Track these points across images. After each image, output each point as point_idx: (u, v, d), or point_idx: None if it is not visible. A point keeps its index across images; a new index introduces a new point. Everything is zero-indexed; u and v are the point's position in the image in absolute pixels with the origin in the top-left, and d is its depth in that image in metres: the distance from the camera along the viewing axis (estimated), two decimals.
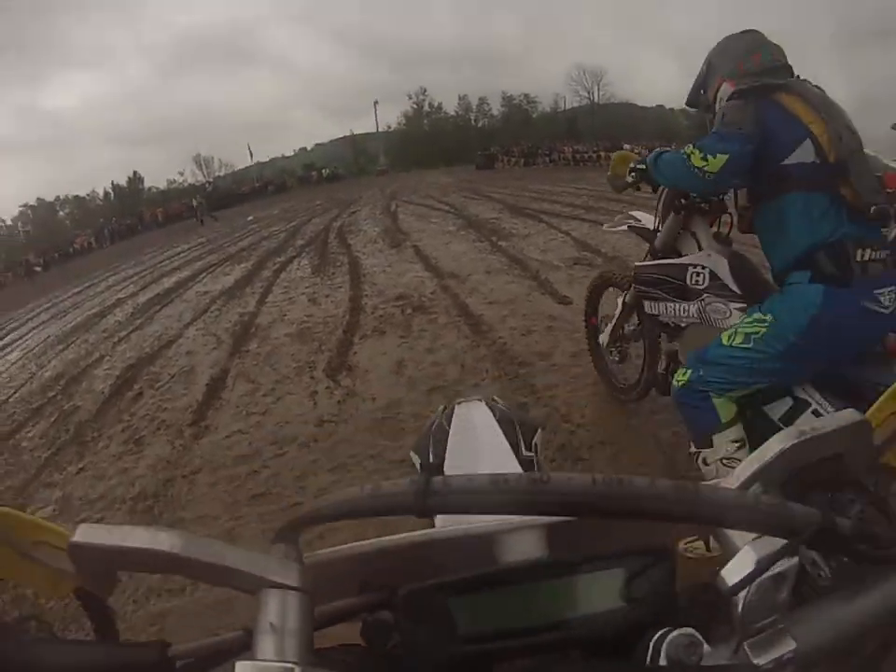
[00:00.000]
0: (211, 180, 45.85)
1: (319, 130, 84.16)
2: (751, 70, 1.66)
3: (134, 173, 48.24)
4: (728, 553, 0.31)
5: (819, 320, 1.47)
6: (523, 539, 0.36)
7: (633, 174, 1.94)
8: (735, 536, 0.31)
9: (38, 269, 29.62)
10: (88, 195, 47.48)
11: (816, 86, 1.63)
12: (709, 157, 1.54)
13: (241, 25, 61.35)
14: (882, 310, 1.46)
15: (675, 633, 0.28)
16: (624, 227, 2.43)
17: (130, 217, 39.99)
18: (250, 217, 20.29)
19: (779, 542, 0.28)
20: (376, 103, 44.49)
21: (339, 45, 62.55)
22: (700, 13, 53.44)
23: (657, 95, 61.66)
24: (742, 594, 0.28)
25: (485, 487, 0.26)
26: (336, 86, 58.16)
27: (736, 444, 1.61)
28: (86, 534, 0.32)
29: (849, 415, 0.35)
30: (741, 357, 1.57)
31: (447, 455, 0.65)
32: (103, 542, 0.31)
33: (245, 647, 0.31)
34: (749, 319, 1.61)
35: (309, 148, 51.93)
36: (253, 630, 0.29)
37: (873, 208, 1.45)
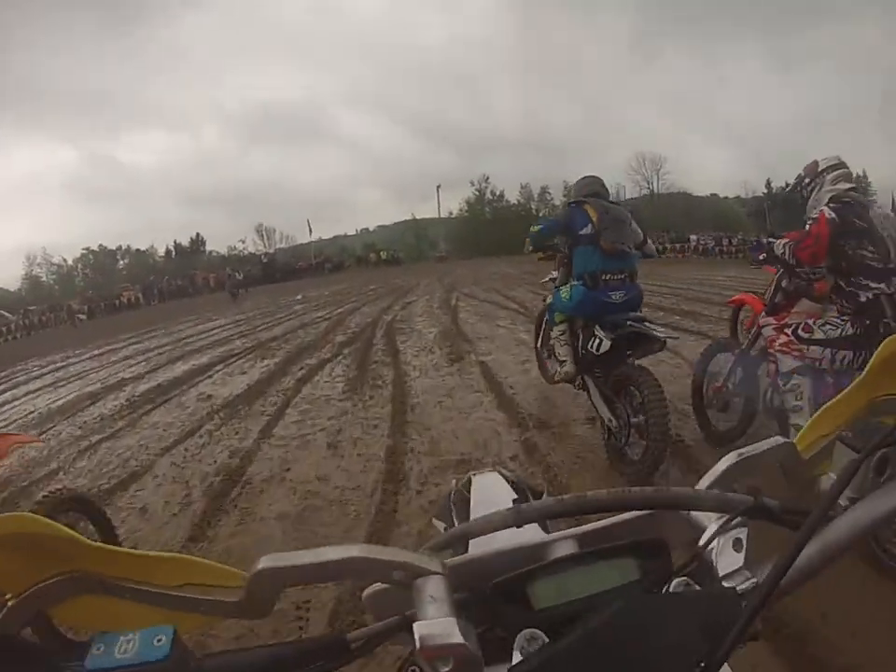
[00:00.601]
0: (268, 251, 46.49)
1: (382, 212, 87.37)
2: (579, 195, 3.67)
3: (197, 234, 49.88)
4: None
5: (583, 302, 3.40)
6: (565, 542, 0.47)
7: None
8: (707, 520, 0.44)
9: (82, 317, 29.49)
10: (147, 249, 49.20)
11: (612, 202, 3.76)
12: (531, 228, 3.86)
13: (314, 104, 65.31)
14: (614, 301, 3.34)
15: (676, 580, 0.41)
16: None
17: (183, 277, 40.59)
18: (299, 296, 19.59)
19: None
20: (439, 187, 44.84)
21: (406, 129, 65.35)
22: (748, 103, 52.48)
23: (711, 184, 60.13)
24: (714, 550, 0.41)
25: (566, 506, 0.42)
26: (401, 169, 60.46)
27: (561, 332, 3.64)
28: (268, 561, 0.37)
29: (777, 440, 0.47)
30: (562, 302, 3.59)
31: (471, 521, 0.61)
32: (285, 564, 0.37)
33: (406, 628, 0.38)
34: (566, 290, 3.56)
35: (371, 229, 52.86)
36: (412, 613, 0.37)
37: (618, 251, 3.41)
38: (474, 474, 0.87)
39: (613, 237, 3.38)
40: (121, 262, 49.11)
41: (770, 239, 3.01)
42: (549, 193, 45.27)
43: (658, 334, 3.19)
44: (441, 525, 0.86)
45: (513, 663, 0.37)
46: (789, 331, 2.77)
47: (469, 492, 0.83)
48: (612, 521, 0.47)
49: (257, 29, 68.76)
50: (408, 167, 58.97)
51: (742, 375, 3.23)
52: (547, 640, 0.39)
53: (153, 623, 0.35)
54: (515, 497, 0.79)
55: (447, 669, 0.34)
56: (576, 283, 3.48)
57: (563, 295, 3.57)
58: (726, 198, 44.48)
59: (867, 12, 52.26)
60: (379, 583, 0.42)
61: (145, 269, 45.02)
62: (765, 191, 40.69)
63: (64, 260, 46.81)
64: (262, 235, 49.14)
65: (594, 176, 3.78)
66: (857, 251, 2.60)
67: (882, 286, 2.55)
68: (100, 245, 48.20)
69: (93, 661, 0.33)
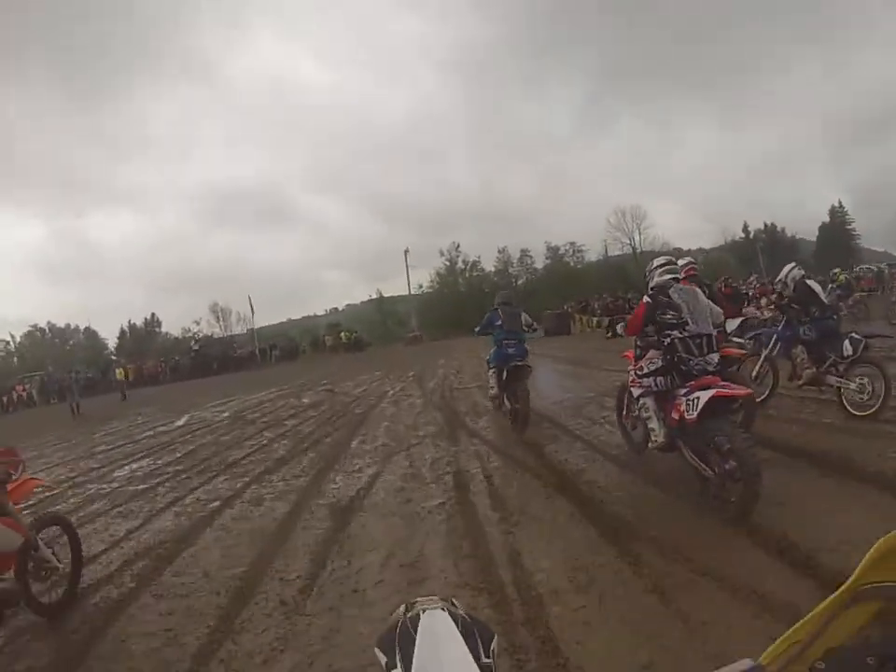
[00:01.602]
0: (199, 338, 38.71)
1: (351, 290, 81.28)
2: (497, 302, 7.20)
3: (153, 315, 43.76)
4: None
5: (497, 356, 6.75)
6: None
7: None
8: None
9: None
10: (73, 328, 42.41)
11: (514, 307, 7.12)
12: (475, 329, 7.72)
13: (277, 185, 60.36)
14: (510, 351, 6.61)
15: None
16: None
17: (97, 369, 33.21)
18: (181, 421, 11.12)
19: None
20: (406, 251, 36.72)
21: (368, 206, 60.37)
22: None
23: (699, 239, 56.35)
24: None
25: None
26: (366, 247, 54.55)
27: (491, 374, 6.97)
28: None
29: (744, 664, 0.48)
30: (490, 357, 6.99)
31: (414, 662, 0.71)
32: None
33: None
34: (492, 352, 7.03)
35: (340, 308, 46.44)
36: None
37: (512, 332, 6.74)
38: (423, 609, 0.78)
39: (509, 326, 6.74)
40: (71, 342, 42.98)
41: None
42: (530, 256, 40.16)
43: (528, 365, 6.66)
44: (382, 659, 0.77)
45: None
46: (632, 372, 4.49)
47: (415, 628, 0.75)
48: None
49: (220, 111, 64.80)
50: (373, 244, 53.42)
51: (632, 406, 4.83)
52: None
53: None
54: (461, 642, 0.74)
55: None
56: (494, 347, 6.88)
57: (490, 354, 7.00)
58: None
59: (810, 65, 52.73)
60: None
61: (96, 351, 41.00)
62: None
63: (12, 336, 40.65)
64: (218, 316, 42.72)
65: (506, 292, 9.06)
66: (663, 316, 4.15)
67: (675, 332, 4.05)
68: (48, 323, 42.08)
69: None
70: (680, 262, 5.31)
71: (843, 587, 0.53)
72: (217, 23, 61.39)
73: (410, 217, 53.21)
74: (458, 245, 37.40)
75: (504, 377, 6.54)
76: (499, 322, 6.68)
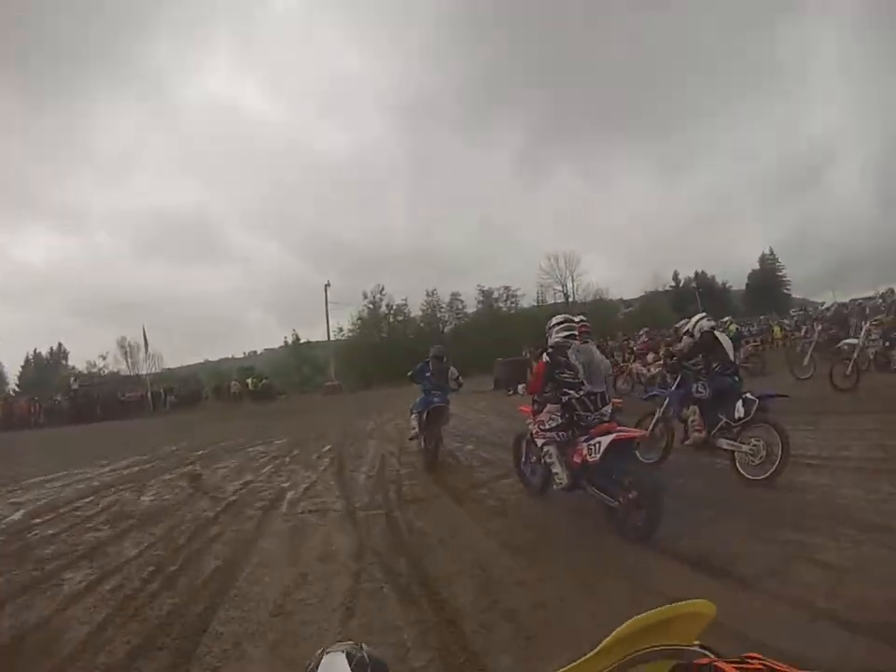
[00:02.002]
0: (76, 376, 33.70)
1: (272, 333, 76.72)
2: (431, 355, 8.01)
3: (59, 345, 39.31)
4: None
5: (422, 402, 7.51)
6: None
7: None
8: None
9: None
10: None
11: (443, 360, 7.93)
12: (408, 373, 8.39)
13: (207, 219, 56.73)
14: (435, 399, 7.41)
15: None
16: None
17: None
18: None
19: None
20: (327, 286, 32.59)
21: (296, 247, 57.89)
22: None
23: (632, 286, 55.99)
24: None
25: None
26: (291, 289, 51.38)
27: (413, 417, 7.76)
28: None
29: None
30: (417, 403, 7.71)
31: None
32: None
33: None
34: (418, 398, 7.81)
35: (259, 352, 42.82)
36: None
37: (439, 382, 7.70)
38: (327, 652, 0.87)
39: (437, 377, 7.60)
40: None
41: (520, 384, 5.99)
42: (460, 300, 38.07)
43: (448, 407, 7.59)
44: None
45: None
46: (534, 425, 5.00)
47: (316, 669, 0.84)
48: None
49: (156, 139, 60.42)
50: (298, 287, 50.33)
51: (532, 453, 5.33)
52: None
53: None
54: None
55: None
56: (422, 395, 7.57)
57: (417, 400, 7.59)
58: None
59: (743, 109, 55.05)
60: None
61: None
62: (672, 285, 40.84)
63: None
64: (125, 352, 38.08)
65: (439, 346, 8.33)
66: (561, 375, 4.60)
67: (572, 392, 4.54)
68: None
69: None
70: (576, 319, 5.56)
71: (604, 648, 0.63)
72: (170, 45, 57.49)
73: (339, 259, 50.44)
74: (382, 288, 34.58)
75: (425, 418, 7.36)
76: (429, 374, 7.65)
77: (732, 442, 5.33)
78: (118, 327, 51.85)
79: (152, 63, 56.70)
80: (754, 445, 5.12)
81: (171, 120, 57.40)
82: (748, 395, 5.37)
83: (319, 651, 0.87)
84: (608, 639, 0.63)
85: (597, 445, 4.22)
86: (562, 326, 4.92)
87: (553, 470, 4.64)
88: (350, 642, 0.89)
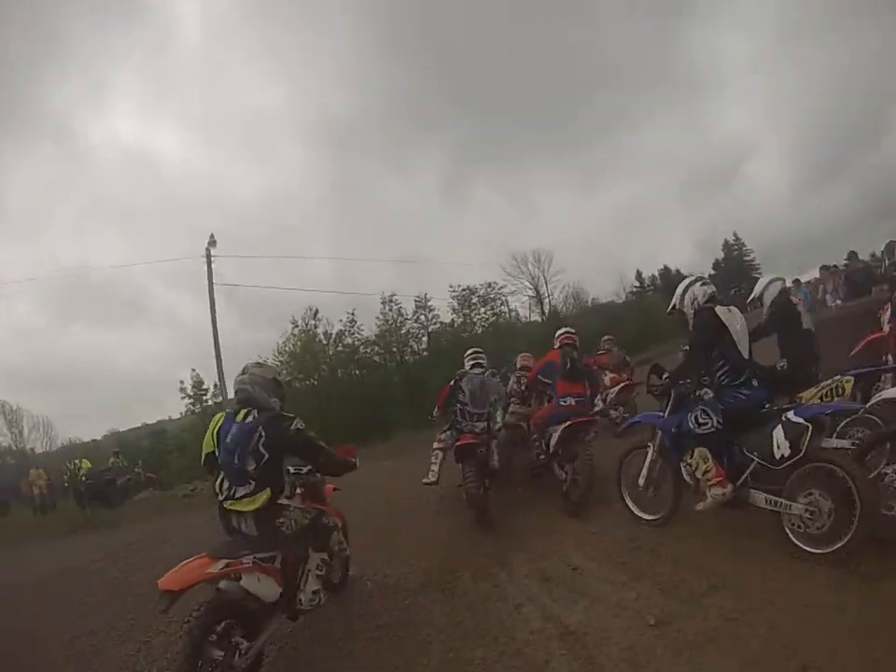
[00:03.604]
0: None
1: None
2: None
3: None
4: None
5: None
6: None
7: None
8: None
9: None
10: None
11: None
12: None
13: (131, 273, 54.31)
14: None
15: None
16: None
17: None
18: None
19: None
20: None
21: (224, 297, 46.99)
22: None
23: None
24: None
25: None
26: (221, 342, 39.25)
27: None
28: None
29: None
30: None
31: None
32: None
33: None
34: None
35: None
36: None
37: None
38: None
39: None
40: None
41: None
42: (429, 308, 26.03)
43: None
44: None
45: None
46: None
47: None
48: None
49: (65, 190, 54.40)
50: (229, 338, 38.68)
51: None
52: None
53: None
54: None
55: None
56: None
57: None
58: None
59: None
60: None
61: None
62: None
63: None
64: (11, 421, 30.31)
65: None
66: (458, 395, 5.86)
67: (460, 407, 5.83)
68: None
69: None
70: (559, 332, 6.15)
71: None
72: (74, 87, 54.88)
73: (264, 309, 39.87)
74: (316, 312, 22.70)
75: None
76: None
77: (773, 498, 3.38)
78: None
79: (57, 107, 53.02)
80: (811, 500, 3.21)
81: (80, 168, 53.21)
82: (790, 415, 3.35)
83: None
84: None
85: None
86: (471, 357, 6.17)
87: (433, 468, 5.71)
88: None
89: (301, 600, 3.34)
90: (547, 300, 31.85)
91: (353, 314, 21.36)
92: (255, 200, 51.62)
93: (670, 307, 4.10)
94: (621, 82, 60.81)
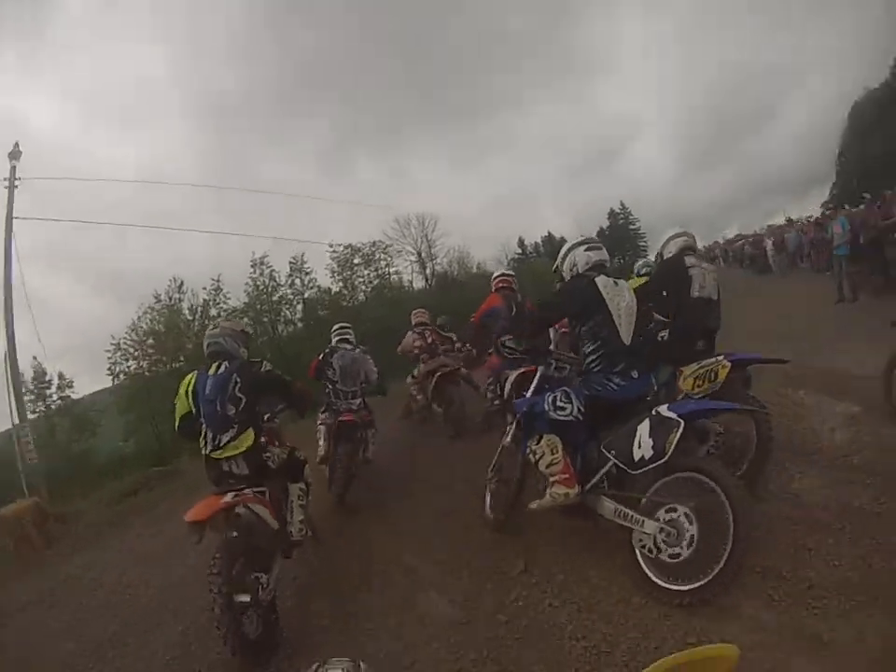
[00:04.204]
0: None
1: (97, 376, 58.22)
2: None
3: None
4: None
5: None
6: None
7: None
8: None
9: None
10: None
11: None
12: None
13: None
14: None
15: None
16: None
17: None
18: None
19: None
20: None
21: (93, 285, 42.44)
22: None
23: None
24: None
25: None
26: (92, 329, 34.73)
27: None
28: None
29: None
30: None
31: None
32: None
33: None
34: None
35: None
36: None
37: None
38: (327, 669, 0.88)
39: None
40: None
41: None
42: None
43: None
44: None
45: None
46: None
47: None
48: None
49: None
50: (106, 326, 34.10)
51: None
52: None
53: None
54: None
55: None
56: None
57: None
58: None
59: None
60: None
61: None
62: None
63: None
64: None
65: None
66: (326, 371, 5.66)
67: (330, 386, 5.64)
68: None
69: None
70: (494, 275, 6.24)
71: None
72: None
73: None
74: (182, 284, 18.45)
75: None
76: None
77: (624, 510, 2.84)
78: None
79: None
80: (672, 521, 2.65)
81: None
82: (662, 409, 2.77)
83: (315, 666, 0.91)
84: None
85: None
86: (337, 332, 5.99)
87: (320, 444, 5.32)
88: (347, 659, 0.90)
89: (291, 532, 3.56)
90: (430, 264, 29.87)
91: (218, 280, 18.30)
92: (130, 173, 46.70)
93: (554, 266, 3.60)
94: (513, 62, 61.99)
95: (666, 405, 2.84)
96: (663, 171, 65.44)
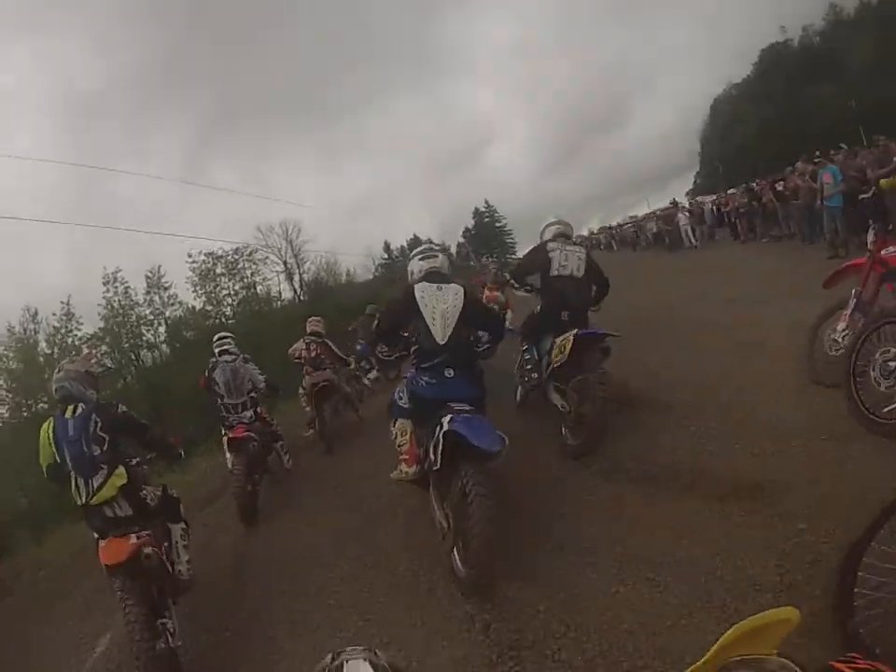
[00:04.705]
0: None
1: None
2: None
3: None
4: None
5: None
6: None
7: None
8: None
9: None
10: None
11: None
12: None
13: None
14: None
15: None
16: None
17: None
18: None
19: None
20: None
21: None
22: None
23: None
24: None
25: None
26: None
27: None
28: None
29: None
30: None
31: None
32: None
33: None
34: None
35: None
36: None
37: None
38: (346, 660, 0.86)
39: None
40: None
41: None
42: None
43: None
44: None
45: None
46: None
47: None
48: None
49: None
50: None
51: None
52: None
53: None
54: None
55: None
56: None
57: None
58: None
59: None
60: None
61: None
62: None
63: None
64: None
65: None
66: (213, 387, 5.50)
67: (218, 400, 5.48)
68: None
69: None
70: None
71: (707, 661, 0.71)
72: None
73: None
74: (36, 312, 16.02)
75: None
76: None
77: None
78: None
79: None
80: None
81: None
82: (445, 420, 2.95)
83: (330, 657, 0.85)
84: (711, 651, 0.69)
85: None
86: (217, 343, 5.77)
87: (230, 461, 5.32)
88: (362, 647, 0.87)
89: (180, 571, 3.45)
90: (298, 272, 28.37)
91: (68, 303, 16.27)
92: None
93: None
94: (373, 63, 63.25)
95: (450, 416, 2.94)
96: (523, 169, 67.86)
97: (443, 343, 3.24)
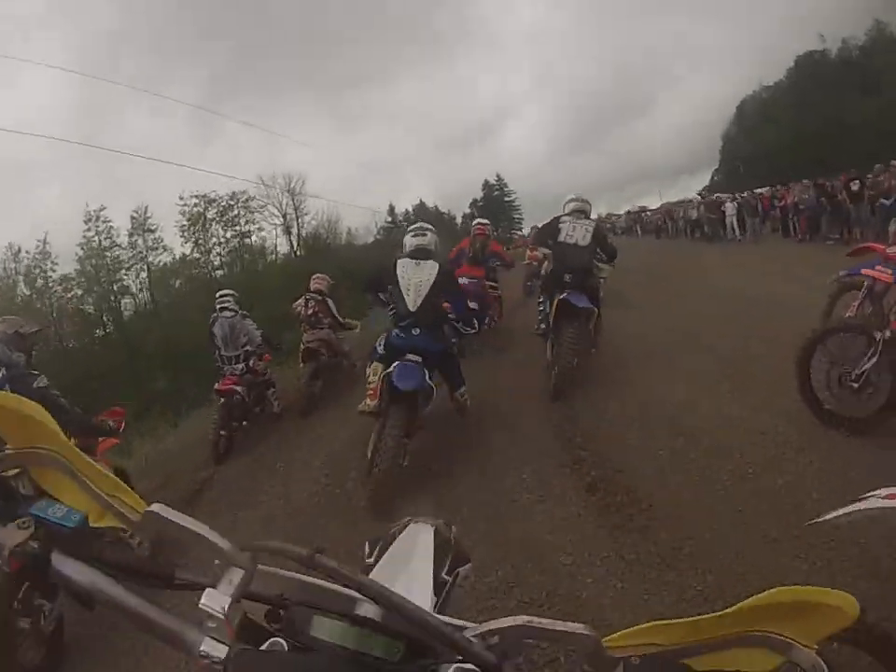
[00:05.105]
0: None
1: None
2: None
3: None
4: None
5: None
6: (367, 605, 0.53)
7: None
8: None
9: None
10: None
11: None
12: None
13: None
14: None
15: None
16: None
17: None
18: None
19: None
20: None
21: None
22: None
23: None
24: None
25: (350, 581, 0.49)
26: None
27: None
28: (158, 508, 0.49)
29: (579, 628, 0.48)
30: None
31: (382, 559, 0.82)
32: (170, 518, 0.48)
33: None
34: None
35: None
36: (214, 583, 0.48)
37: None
38: (414, 521, 0.91)
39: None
40: None
41: None
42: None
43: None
44: (366, 550, 0.90)
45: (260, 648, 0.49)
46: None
47: (400, 533, 0.87)
48: (413, 611, 0.49)
49: None
50: None
51: None
52: (287, 650, 0.50)
53: (80, 507, 0.55)
54: (430, 557, 0.81)
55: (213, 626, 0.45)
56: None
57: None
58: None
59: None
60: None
61: None
62: None
63: None
64: None
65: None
66: (213, 341, 6.14)
67: (216, 352, 6.18)
68: None
69: (35, 509, 0.53)
70: (474, 222, 7.67)
71: (727, 615, 0.51)
72: None
73: None
74: (19, 250, 15.14)
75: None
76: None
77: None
78: None
79: None
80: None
81: None
82: (398, 365, 3.92)
83: (407, 519, 0.91)
84: (738, 606, 0.52)
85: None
86: (219, 301, 6.25)
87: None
88: (441, 521, 0.90)
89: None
90: (297, 224, 26.06)
91: (45, 240, 15.07)
92: None
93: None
94: (389, 34, 62.12)
95: (400, 365, 3.77)
96: (535, 151, 65.93)
97: (413, 309, 3.98)
